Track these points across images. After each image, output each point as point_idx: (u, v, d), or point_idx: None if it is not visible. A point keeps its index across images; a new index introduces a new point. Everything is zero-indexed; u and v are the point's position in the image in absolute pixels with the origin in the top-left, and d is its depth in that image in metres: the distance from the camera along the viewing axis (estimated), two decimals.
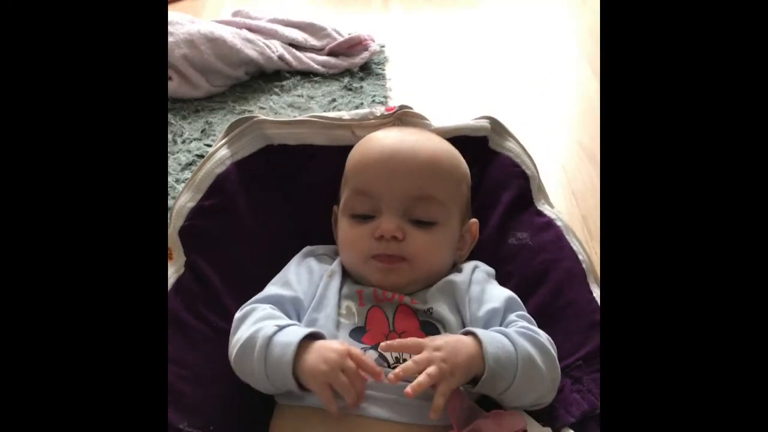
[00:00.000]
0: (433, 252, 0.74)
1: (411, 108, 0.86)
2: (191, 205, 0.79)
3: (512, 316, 0.73)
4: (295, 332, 0.66)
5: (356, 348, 0.65)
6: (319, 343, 0.66)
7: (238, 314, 0.73)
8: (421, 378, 0.62)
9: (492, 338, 0.67)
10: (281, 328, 0.67)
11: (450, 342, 0.66)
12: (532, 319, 0.74)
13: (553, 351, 0.70)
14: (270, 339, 0.66)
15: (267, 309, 0.71)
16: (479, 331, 0.67)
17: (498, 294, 0.75)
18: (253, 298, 0.74)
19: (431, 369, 0.62)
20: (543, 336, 0.71)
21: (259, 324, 0.69)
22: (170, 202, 1.15)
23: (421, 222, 0.74)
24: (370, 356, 0.68)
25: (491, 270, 0.80)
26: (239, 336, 0.70)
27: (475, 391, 0.66)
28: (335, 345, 0.65)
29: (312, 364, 0.64)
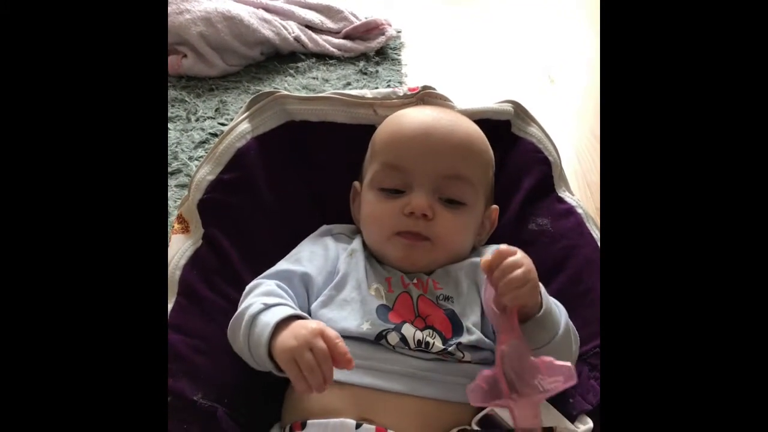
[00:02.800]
0: (457, 234, 0.74)
1: (434, 88, 0.85)
2: (210, 178, 0.79)
3: None
4: (278, 312, 0.65)
5: (332, 330, 0.62)
6: (296, 322, 0.64)
7: (246, 289, 0.72)
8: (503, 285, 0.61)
9: (547, 295, 0.67)
10: (268, 306, 0.66)
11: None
12: None
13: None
14: (255, 317, 0.65)
15: (272, 285, 0.70)
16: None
17: None
18: (263, 274, 0.74)
19: (518, 272, 0.61)
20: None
21: (254, 299, 0.68)
22: (184, 179, 1.16)
23: (450, 202, 0.73)
24: (393, 338, 0.67)
25: None
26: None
27: (525, 329, 0.64)
28: (310, 323, 0.62)
29: (282, 339, 0.62)
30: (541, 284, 0.66)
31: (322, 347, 0.60)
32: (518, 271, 0.62)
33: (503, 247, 0.64)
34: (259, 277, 0.73)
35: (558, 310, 0.68)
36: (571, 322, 0.70)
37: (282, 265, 0.75)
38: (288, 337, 0.62)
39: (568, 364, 0.58)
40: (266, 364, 0.65)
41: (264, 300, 0.67)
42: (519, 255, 0.63)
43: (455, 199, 0.73)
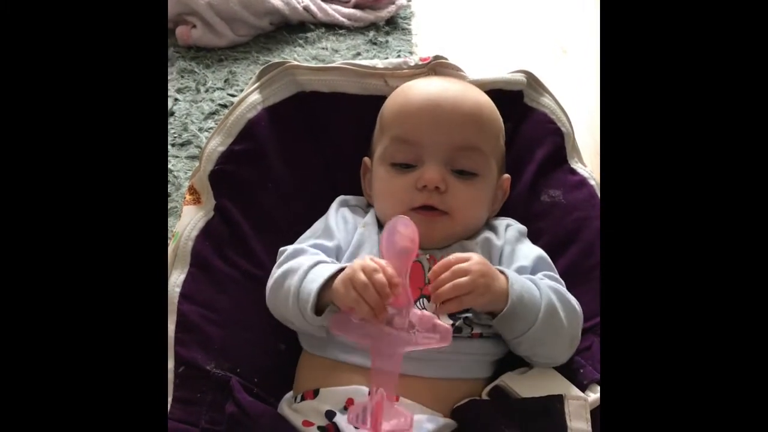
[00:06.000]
0: (473, 206, 0.74)
1: (446, 58, 0.84)
2: (222, 149, 0.78)
3: (540, 275, 0.72)
4: (334, 266, 0.68)
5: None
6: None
7: (288, 250, 0.72)
8: (447, 288, 0.63)
9: (519, 279, 0.67)
10: (323, 261, 0.68)
11: (489, 266, 0.66)
12: (561, 281, 0.73)
13: (579, 311, 0.70)
14: (313, 266, 0.67)
15: (319, 253, 0.72)
16: (507, 270, 0.68)
17: (527, 253, 0.75)
18: (301, 245, 0.74)
19: (464, 279, 0.63)
20: (571, 296, 0.70)
21: (309, 257, 0.70)
22: (194, 151, 1.16)
23: (463, 173, 0.73)
24: None
25: (523, 228, 0.79)
26: (283, 267, 0.70)
27: (494, 324, 0.66)
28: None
29: (337, 280, 0.65)
30: (512, 274, 0.67)
31: (371, 264, 0.62)
32: (465, 279, 0.63)
33: (454, 256, 0.65)
34: (298, 244, 0.74)
35: (540, 293, 0.67)
36: (570, 301, 0.69)
37: (314, 239, 0.75)
38: (342, 277, 0.64)
39: (448, 326, 0.61)
40: (309, 307, 0.65)
41: (320, 257, 0.70)
42: (468, 263, 0.64)
43: (467, 170, 0.73)
